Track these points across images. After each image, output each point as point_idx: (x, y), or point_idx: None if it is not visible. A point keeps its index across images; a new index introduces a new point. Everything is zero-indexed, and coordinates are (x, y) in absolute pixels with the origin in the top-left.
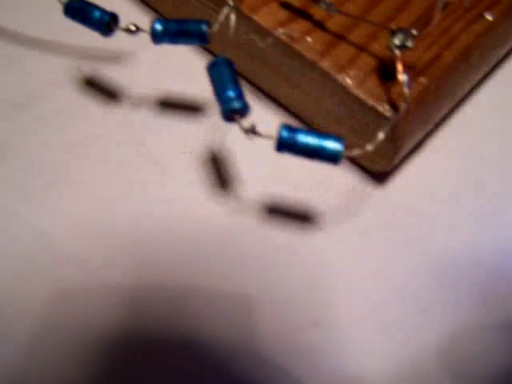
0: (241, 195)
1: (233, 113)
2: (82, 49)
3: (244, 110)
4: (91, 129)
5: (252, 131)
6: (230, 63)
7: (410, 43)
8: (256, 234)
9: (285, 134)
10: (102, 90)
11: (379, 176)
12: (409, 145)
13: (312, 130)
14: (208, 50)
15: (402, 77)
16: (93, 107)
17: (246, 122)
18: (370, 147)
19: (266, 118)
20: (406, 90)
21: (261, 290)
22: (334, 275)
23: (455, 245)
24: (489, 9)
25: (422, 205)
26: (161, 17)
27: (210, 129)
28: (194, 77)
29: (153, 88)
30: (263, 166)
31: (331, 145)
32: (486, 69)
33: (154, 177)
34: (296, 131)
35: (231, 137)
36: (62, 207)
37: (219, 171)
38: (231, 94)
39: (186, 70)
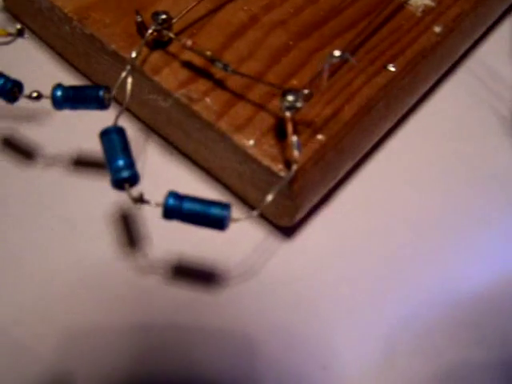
0: (149, 253)
1: (122, 182)
2: None
3: (133, 179)
4: (3, 188)
5: (140, 200)
6: (121, 131)
7: (299, 104)
8: (162, 292)
9: (171, 201)
10: (16, 150)
11: (287, 229)
12: (309, 201)
13: (198, 197)
14: (121, 104)
15: (292, 138)
16: (7, 167)
17: (135, 191)
18: (255, 213)
19: (176, 172)
20: (295, 153)
21: (165, 351)
22: (239, 332)
23: (360, 296)
24: (392, 61)
25: (329, 258)
26: (80, 74)
27: None
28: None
29: (66, 146)
30: (171, 224)
31: (216, 211)
32: (393, 119)
33: (65, 236)
34: (182, 198)
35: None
36: None
37: (128, 230)
38: (121, 163)
39: (99, 126)
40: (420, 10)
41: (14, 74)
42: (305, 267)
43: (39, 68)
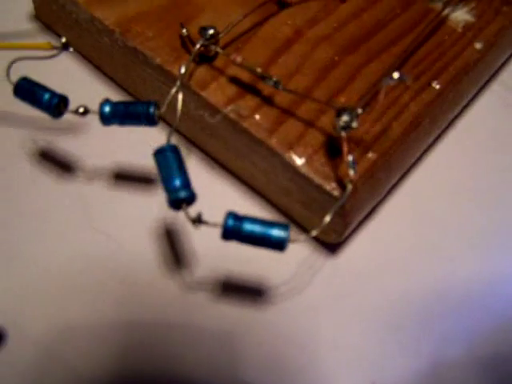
0: (194, 271)
1: (180, 202)
2: (36, 120)
3: (190, 199)
4: (44, 202)
5: (198, 220)
6: (176, 150)
7: (355, 124)
8: (209, 309)
9: (230, 222)
10: (56, 163)
11: (332, 245)
12: (358, 218)
13: (258, 218)
14: (162, 119)
15: (348, 158)
16: (46, 180)
17: (193, 211)
18: (314, 233)
19: (218, 187)
20: (351, 172)
21: (214, 367)
22: (290, 349)
23: (406, 311)
24: (435, 78)
25: (374, 273)
26: (117, 86)
27: (164, 202)
28: (149, 148)
29: (107, 160)
30: (216, 241)
31: (276, 233)
32: (436, 134)
33: (108, 251)
34: (242, 220)
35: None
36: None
37: (172, 246)
38: (177, 183)
39: (140, 140)
40: (461, 25)
41: (53, 87)
42: (350, 283)
43: (76, 79)
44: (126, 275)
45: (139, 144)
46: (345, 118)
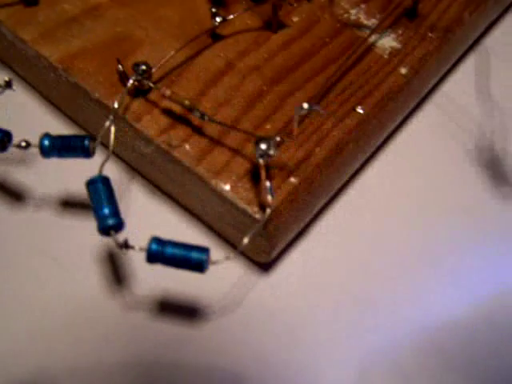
0: (135, 291)
1: (108, 229)
2: None
3: (118, 226)
4: None
5: (125, 246)
6: (106, 180)
7: (272, 151)
8: (148, 328)
9: (154, 246)
10: (7, 192)
11: (264, 264)
12: (284, 240)
13: (180, 242)
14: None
15: (266, 184)
16: None
17: (121, 237)
18: (232, 255)
19: (159, 213)
20: (269, 198)
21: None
22: (222, 364)
23: (339, 330)
24: (360, 103)
25: (306, 291)
26: (67, 118)
27: None
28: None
29: (56, 189)
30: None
31: (195, 256)
32: (363, 157)
33: (53, 276)
34: (165, 244)
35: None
36: None
37: (115, 269)
38: (106, 211)
39: (86, 169)
40: (387, 51)
41: (4, 120)
42: (283, 300)
43: (28, 112)
44: (71, 296)
45: (85, 172)
46: (263, 146)
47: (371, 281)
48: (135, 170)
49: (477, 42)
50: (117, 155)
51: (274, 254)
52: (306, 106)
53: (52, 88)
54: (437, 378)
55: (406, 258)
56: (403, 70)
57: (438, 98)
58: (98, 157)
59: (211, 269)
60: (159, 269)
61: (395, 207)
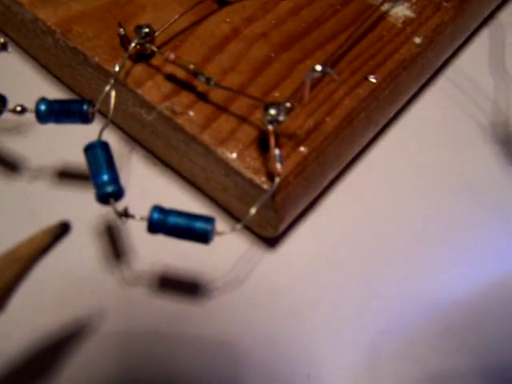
0: (134, 265)
1: (107, 197)
2: None
3: (118, 194)
4: None
5: (125, 214)
6: (105, 145)
7: (282, 117)
8: (148, 303)
9: (156, 215)
10: (1, 162)
11: (271, 239)
12: (292, 213)
13: (183, 211)
14: (105, 116)
15: (275, 152)
16: None
17: (120, 206)
18: (238, 226)
19: (160, 184)
20: (278, 166)
21: (152, 361)
22: (224, 341)
23: (344, 306)
24: (373, 72)
25: (313, 267)
26: (64, 85)
27: None
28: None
29: (52, 159)
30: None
31: (200, 225)
32: (375, 129)
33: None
34: (167, 213)
35: (120, 207)
36: None
37: (113, 242)
38: (105, 177)
39: (83, 137)
40: (400, 20)
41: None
42: (289, 276)
43: (23, 80)
44: (67, 271)
45: (83, 141)
46: (272, 111)
47: (381, 258)
48: (135, 140)
49: (492, 15)
50: (116, 124)
51: (282, 227)
52: (319, 68)
53: (49, 54)
54: (448, 359)
55: (418, 235)
56: (417, 40)
57: (451, 71)
58: (97, 124)
59: (214, 243)
60: (159, 243)
61: (406, 182)
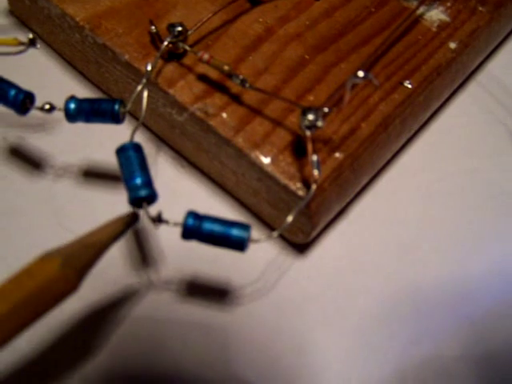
0: (161, 270)
1: (140, 200)
2: (6, 116)
3: (151, 198)
4: (14, 199)
5: (158, 219)
6: (138, 148)
7: (320, 123)
8: (175, 309)
9: (190, 221)
10: (26, 160)
11: (301, 246)
12: (325, 219)
13: (218, 218)
14: (133, 116)
15: (312, 158)
16: (16, 177)
17: (153, 210)
18: (275, 234)
19: (188, 186)
20: (315, 172)
21: (178, 368)
22: (253, 352)
23: (376, 312)
24: (407, 77)
25: (343, 275)
26: (90, 82)
27: None
28: (118, 145)
29: (76, 157)
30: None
31: (236, 233)
32: (408, 135)
33: None
34: (202, 219)
35: (152, 210)
36: None
37: (139, 245)
38: (138, 181)
39: (109, 137)
40: (435, 24)
41: (23, 83)
42: (318, 283)
43: (48, 75)
44: (93, 274)
45: (109, 141)
46: (310, 116)
47: (409, 265)
48: (163, 140)
49: None
50: (144, 124)
51: (314, 234)
52: (361, 74)
53: (75, 50)
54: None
55: (446, 242)
56: (452, 45)
57: (482, 77)
58: (125, 125)
59: None
60: (187, 248)
61: (437, 189)
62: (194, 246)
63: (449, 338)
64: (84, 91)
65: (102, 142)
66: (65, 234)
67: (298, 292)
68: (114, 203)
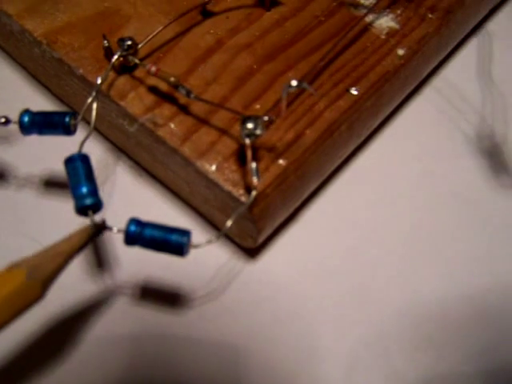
0: (116, 275)
1: (85, 209)
2: None
3: (96, 206)
4: None
5: (103, 227)
6: (85, 158)
7: (259, 131)
8: (129, 313)
9: (132, 228)
10: None
11: (252, 250)
12: (271, 224)
13: (160, 224)
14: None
15: (252, 165)
16: None
17: (110, 219)
18: (214, 239)
19: (145, 195)
20: (254, 179)
21: (129, 370)
22: (205, 353)
23: (328, 321)
24: (355, 84)
25: (294, 279)
26: (52, 95)
27: None
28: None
29: (39, 167)
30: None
31: (175, 238)
32: (357, 141)
33: None
34: (144, 225)
35: (110, 219)
36: None
37: (96, 251)
38: (84, 190)
39: (70, 148)
40: (384, 32)
41: None
42: (269, 287)
43: (13, 89)
44: None
45: (69, 152)
46: (249, 125)
47: (361, 269)
48: (121, 150)
49: (479, 25)
50: (103, 135)
51: (261, 238)
52: (294, 83)
53: (37, 64)
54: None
55: (399, 247)
56: (401, 51)
57: (437, 82)
58: (83, 135)
59: (195, 253)
60: (142, 254)
61: (390, 194)
62: (148, 252)
63: (396, 339)
64: (48, 104)
65: (63, 152)
66: (29, 243)
67: (249, 295)
68: (72, 212)
